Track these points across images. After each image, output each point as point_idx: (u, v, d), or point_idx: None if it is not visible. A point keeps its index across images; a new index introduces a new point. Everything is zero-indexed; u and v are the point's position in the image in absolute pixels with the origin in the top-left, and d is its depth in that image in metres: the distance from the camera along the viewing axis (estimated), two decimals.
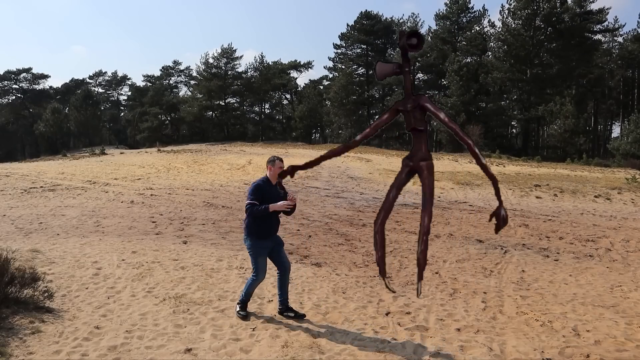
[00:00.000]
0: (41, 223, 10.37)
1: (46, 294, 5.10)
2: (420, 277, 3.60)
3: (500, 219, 3.57)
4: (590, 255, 8.57)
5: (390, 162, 28.35)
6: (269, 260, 4.94)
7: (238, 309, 5.00)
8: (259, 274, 4.86)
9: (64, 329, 4.50)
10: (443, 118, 3.54)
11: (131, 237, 9.02)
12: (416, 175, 3.76)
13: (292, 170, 4.10)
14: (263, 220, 4.76)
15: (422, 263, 3.58)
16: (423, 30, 61.89)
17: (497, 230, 3.62)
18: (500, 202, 3.59)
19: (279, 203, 4.64)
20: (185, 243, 8.56)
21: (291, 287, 5.98)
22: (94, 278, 6.11)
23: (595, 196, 16.63)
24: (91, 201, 13.81)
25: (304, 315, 5.01)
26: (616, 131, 55.73)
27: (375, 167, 24.30)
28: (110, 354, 4.06)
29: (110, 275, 6.24)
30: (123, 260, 7.03)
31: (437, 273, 7.07)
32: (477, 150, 3.47)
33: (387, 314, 5.22)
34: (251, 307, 5.25)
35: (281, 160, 4.84)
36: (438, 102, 49.14)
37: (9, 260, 5.09)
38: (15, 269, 5.09)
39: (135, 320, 4.79)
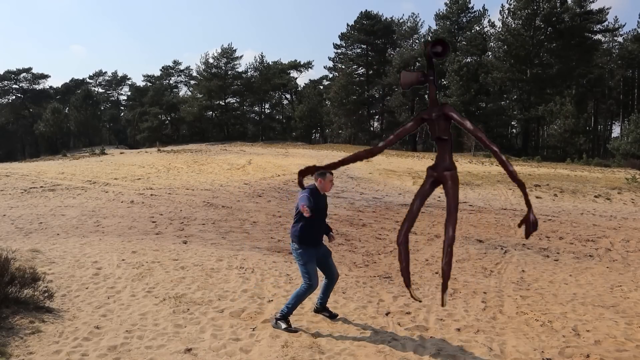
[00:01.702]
0: (41, 223, 10.37)
1: (46, 294, 5.10)
2: (444, 287, 3.55)
3: (529, 224, 3.50)
4: (590, 255, 8.57)
5: (390, 162, 28.36)
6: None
7: (284, 326, 4.63)
8: (312, 280, 4.71)
9: (64, 329, 4.49)
10: (469, 127, 3.51)
11: (131, 237, 9.02)
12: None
13: (309, 170, 4.27)
14: (309, 227, 4.71)
15: (446, 274, 3.53)
16: (423, 30, 61.97)
17: (527, 235, 3.57)
18: (530, 207, 3.52)
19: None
20: (185, 243, 8.56)
21: (291, 287, 5.98)
22: (94, 278, 6.11)
23: (595, 196, 16.63)
24: (91, 201, 13.81)
25: (337, 315, 5.05)
26: (616, 131, 55.77)
27: (375, 167, 24.30)
28: (110, 354, 4.06)
29: (110, 275, 6.24)
30: (123, 260, 7.02)
31: (437, 273, 7.07)
32: (503, 158, 3.45)
33: (387, 314, 5.22)
34: (251, 307, 5.25)
35: (332, 173, 4.87)
36: (438, 102, 49.10)
37: (9, 260, 5.08)
38: (16, 269, 5.08)
39: (135, 320, 4.79)
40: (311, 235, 4.75)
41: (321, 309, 5.09)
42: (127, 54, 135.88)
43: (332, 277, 4.96)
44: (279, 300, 5.46)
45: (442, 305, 3.65)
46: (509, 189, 17.70)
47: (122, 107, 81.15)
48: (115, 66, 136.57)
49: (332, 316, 5.02)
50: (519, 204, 15.14)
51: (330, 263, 4.94)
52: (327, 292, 5.04)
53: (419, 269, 7.27)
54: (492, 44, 50.78)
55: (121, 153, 38.53)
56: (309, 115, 59.67)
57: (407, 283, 3.75)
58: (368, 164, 26.20)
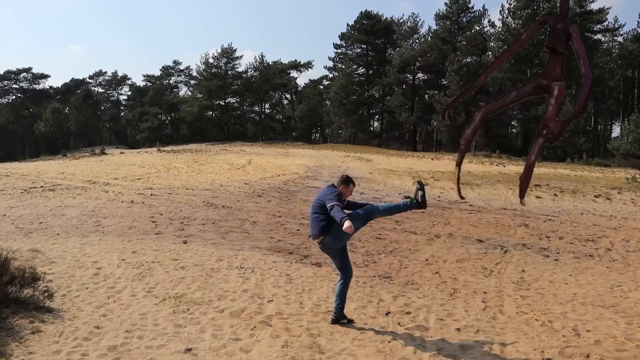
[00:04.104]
0: (41, 223, 10.37)
1: (46, 294, 5.10)
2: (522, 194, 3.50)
3: (549, 132, 3.43)
4: (590, 255, 8.57)
5: (390, 162, 28.36)
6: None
7: (345, 321, 4.86)
8: (351, 272, 4.97)
9: (64, 329, 4.49)
10: (578, 47, 3.41)
11: (131, 236, 9.02)
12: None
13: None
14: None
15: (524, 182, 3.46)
16: (423, 30, 61.91)
17: (553, 140, 3.49)
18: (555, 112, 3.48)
19: (345, 225, 4.38)
20: (185, 243, 8.56)
21: (291, 287, 5.99)
22: (94, 278, 6.10)
23: (595, 196, 16.63)
24: (91, 201, 13.80)
25: (353, 320, 4.97)
26: (616, 131, 55.77)
27: (375, 167, 24.29)
28: (110, 354, 4.06)
29: (110, 275, 6.24)
30: (123, 260, 7.02)
31: (437, 273, 7.07)
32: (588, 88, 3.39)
33: (387, 314, 5.22)
34: (251, 307, 5.26)
35: (354, 184, 5.12)
36: (438, 102, 49.18)
37: (9, 260, 5.09)
38: (15, 269, 5.08)
39: (135, 320, 4.79)
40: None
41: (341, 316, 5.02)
42: (127, 54, 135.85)
43: (351, 274, 5.05)
44: (279, 300, 5.46)
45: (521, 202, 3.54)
46: (509, 189, 17.69)
47: (122, 107, 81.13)
48: (115, 66, 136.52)
49: (349, 322, 4.96)
50: (519, 203, 15.13)
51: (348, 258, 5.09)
52: (344, 294, 5.02)
53: (419, 269, 7.27)
54: (492, 44, 50.80)
55: (121, 153, 38.51)
56: (309, 115, 59.69)
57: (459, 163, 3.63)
58: (368, 164, 26.18)
